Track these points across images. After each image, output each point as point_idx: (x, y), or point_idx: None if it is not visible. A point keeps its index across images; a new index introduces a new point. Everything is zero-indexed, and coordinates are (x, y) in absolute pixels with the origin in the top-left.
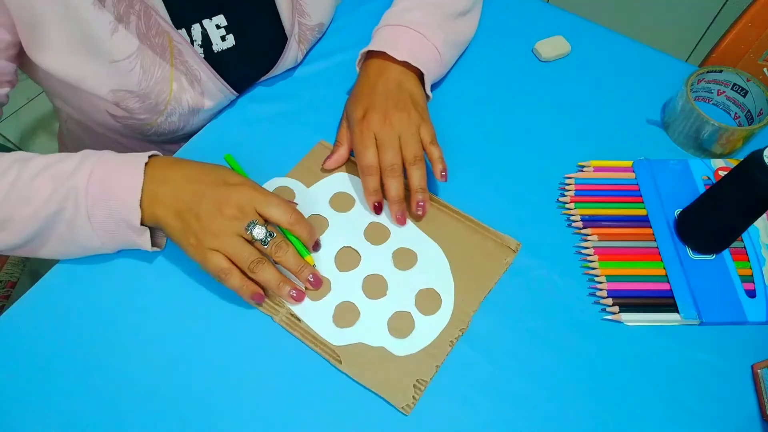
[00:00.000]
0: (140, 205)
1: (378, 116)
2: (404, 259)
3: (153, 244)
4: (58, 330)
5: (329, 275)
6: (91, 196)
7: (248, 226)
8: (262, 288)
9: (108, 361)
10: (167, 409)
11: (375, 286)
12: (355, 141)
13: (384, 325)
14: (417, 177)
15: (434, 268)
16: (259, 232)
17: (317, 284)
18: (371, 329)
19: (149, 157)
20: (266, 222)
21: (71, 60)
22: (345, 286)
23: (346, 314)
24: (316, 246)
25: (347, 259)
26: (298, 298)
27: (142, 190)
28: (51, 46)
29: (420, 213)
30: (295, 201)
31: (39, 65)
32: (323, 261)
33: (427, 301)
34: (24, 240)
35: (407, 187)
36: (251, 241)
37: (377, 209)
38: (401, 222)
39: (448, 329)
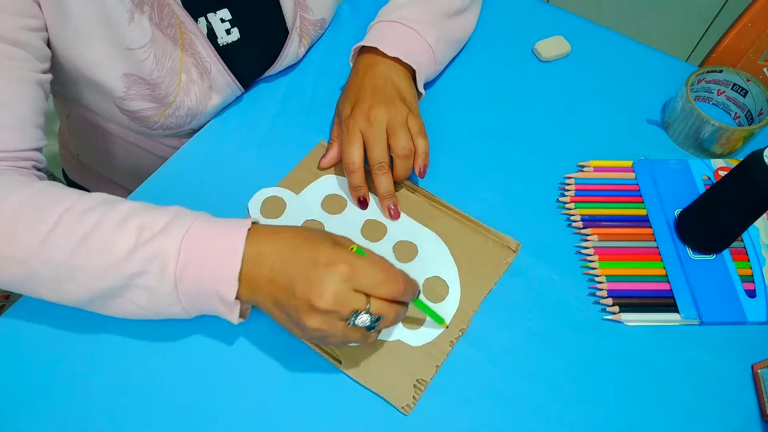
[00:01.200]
0: (238, 279)
1: (363, 112)
2: (405, 251)
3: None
4: (58, 330)
5: None
6: (182, 262)
7: (350, 320)
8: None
9: (108, 360)
10: (167, 409)
11: None
12: (342, 139)
13: None
14: (401, 169)
15: (435, 255)
16: (363, 321)
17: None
18: None
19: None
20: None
21: (89, 44)
22: None
23: None
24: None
25: None
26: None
27: (242, 263)
28: (72, 29)
29: (391, 215)
30: (285, 209)
31: (58, 52)
32: None
33: (435, 288)
34: (93, 296)
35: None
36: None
37: (362, 204)
38: (395, 216)
39: (450, 329)
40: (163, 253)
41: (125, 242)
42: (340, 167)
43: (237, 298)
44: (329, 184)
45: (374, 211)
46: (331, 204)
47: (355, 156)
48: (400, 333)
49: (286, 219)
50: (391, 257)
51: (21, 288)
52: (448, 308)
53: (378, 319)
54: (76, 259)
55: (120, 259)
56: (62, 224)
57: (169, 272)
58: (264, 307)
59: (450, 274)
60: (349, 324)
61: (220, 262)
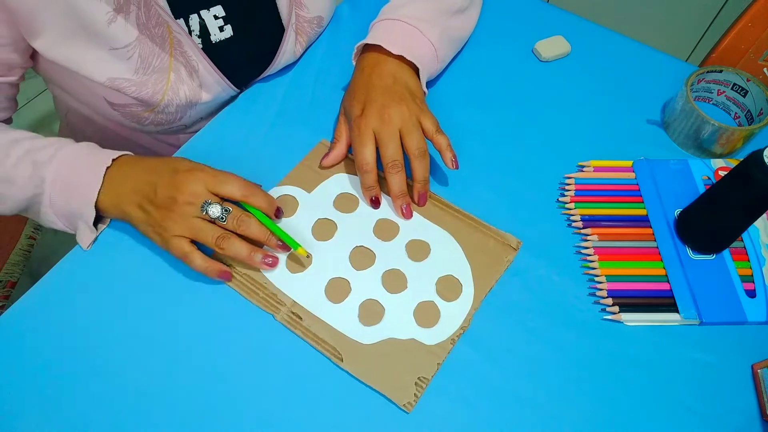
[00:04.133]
0: (96, 204)
1: (376, 111)
2: (418, 250)
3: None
4: (58, 330)
5: (347, 276)
6: (57, 189)
7: (203, 206)
8: (230, 266)
9: (108, 360)
10: (167, 408)
11: (394, 281)
12: (354, 138)
13: (410, 317)
14: (420, 169)
15: (448, 254)
16: (214, 210)
17: (286, 248)
18: (399, 323)
19: (113, 160)
20: (224, 200)
21: (71, 48)
22: (365, 285)
23: (371, 312)
24: (278, 213)
25: (362, 258)
26: (273, 264)
27: (100, 190)
28: (50, 35)
29: (420, 203)
30: (298, 208)
31: (41, 53)
32: (338, 263)
33: (448, 287)
34: (19, 210)
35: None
36: (213, 221)
37: (375, 203)
38: (407, 215)
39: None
40: (43, 180)
41: (24, 174)
42: (351, 166)
43: (103, 214)
44: (341, 183)
45: (386, 210)
46: (344, 203)
47: (369, 156)
48: (414, 332)
49: (298, 217)
50: (404, 256)
51: None
52: (462, 307)
53: (227, 211)
54: None
55: (22, 186)
56: None
57: (46, 194)
58: (128, 215)
59: (463, 272)
60: (203, 212)
61: (83, 191)
